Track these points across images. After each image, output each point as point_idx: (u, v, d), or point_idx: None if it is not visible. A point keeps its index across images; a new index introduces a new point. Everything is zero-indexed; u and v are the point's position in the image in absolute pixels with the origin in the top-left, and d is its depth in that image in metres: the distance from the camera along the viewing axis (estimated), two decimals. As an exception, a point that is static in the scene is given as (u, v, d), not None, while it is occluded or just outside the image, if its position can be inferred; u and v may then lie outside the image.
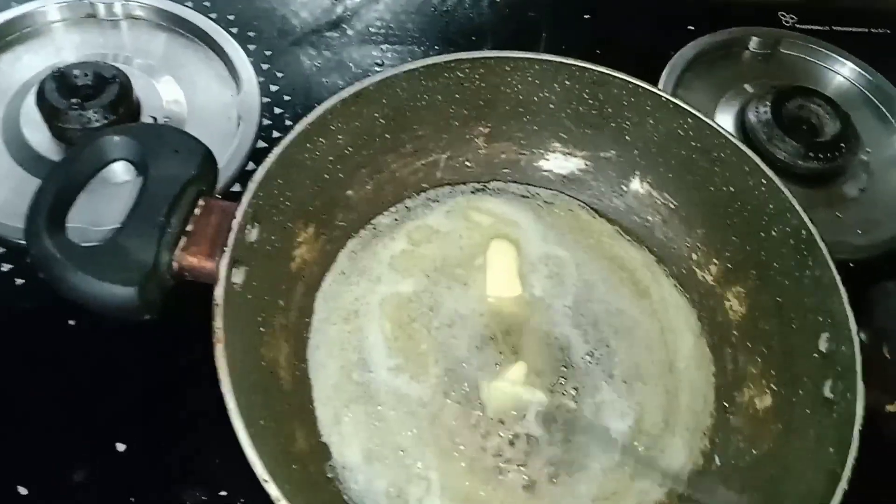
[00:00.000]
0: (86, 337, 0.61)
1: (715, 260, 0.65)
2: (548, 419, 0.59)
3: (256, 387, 0.51)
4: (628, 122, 0.65)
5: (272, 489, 0.43)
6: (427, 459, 0.56)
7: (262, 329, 0.55)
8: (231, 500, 0.56)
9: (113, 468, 0.57)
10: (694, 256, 0.66)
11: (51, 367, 0.60)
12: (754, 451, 0.58)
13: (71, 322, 0.62)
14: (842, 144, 0.81)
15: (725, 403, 0.61)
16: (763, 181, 0.60)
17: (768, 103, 0.82)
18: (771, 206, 0.60)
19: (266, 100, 0.77)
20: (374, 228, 0.65)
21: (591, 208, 0.69)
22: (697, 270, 0.66)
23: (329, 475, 0.54)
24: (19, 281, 0.63)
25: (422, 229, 0.65)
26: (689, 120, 0.63)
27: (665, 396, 0.62)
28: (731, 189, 0.63)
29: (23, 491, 0.55)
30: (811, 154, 0.79)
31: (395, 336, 0.60)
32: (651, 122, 0.64)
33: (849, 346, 0.54)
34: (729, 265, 0.64)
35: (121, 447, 0.57)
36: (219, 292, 0.48)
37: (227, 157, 0.71)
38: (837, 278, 0.56)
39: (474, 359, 0.60)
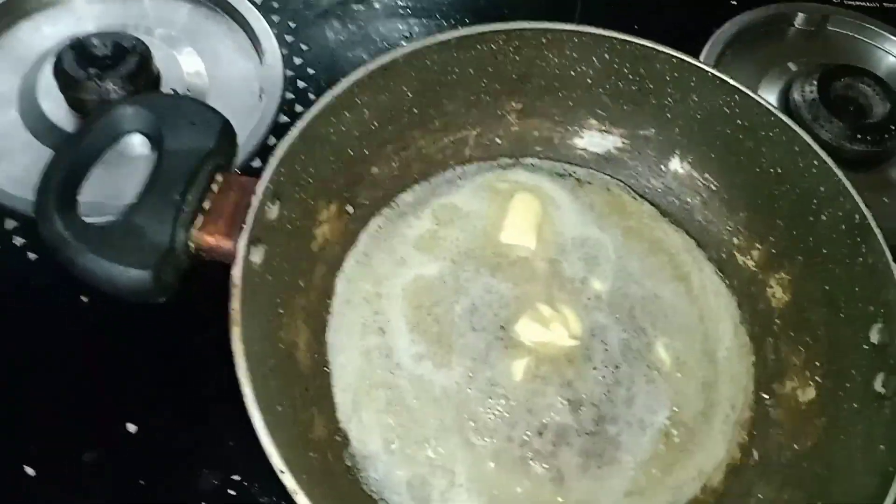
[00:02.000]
0: (99, 314, 0.59)
1: (758, 245, 0.62)
2: (577, 408, 0.56)
3: (274, 371, 0.49)
4: (670, 99, 0.62)
5: (288, 480, 0.41)
6: (451, 450, 0.53)
7: (280, 311, 0.52)
8: (245, 485, 0.54)
9: (123, 450, 0.55)
10: (735, 241, 0.63)
11: (62, 344, 0.58)
12: (796, 447, 0.54)
13: (84, 299, 0.60)
14: (891, 126, 0.76)
15: (766, 396, 0.58)
16: (814, 162, 0.56)
17: (814, 82, 0.77)
18: (822, 189, 0.56)
19: (290, 73, 0.74)
20: (399, 207, 0.62)
21: (630, 188, 0.66)
22: (739, 255, 0.62)
23: (348, 464, 0.52)
24: (32, 256, 0.61)
25: (448, 208, 0.62)
26: (736, 97, 0.59)
27: (703, 387, 0.58)
28: (779, 170, 0.59)
29: (30, 471, 0.53)
30: (858, 136, 0.75)
31: (419, 321, 0.57)
32: (694, 98, 0.60)
33: (904, 338, 0.50)
34: (773, 250, 0.61)
35: (132, 428, 0.55)
36: (237, 272, 0.46)
37: (248, 132, 0.69)
38: (893, 266, 0.52)
39: (500, 346, 0.57)
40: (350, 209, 0.59)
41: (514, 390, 0.56)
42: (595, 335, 0.59)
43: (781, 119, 0.58)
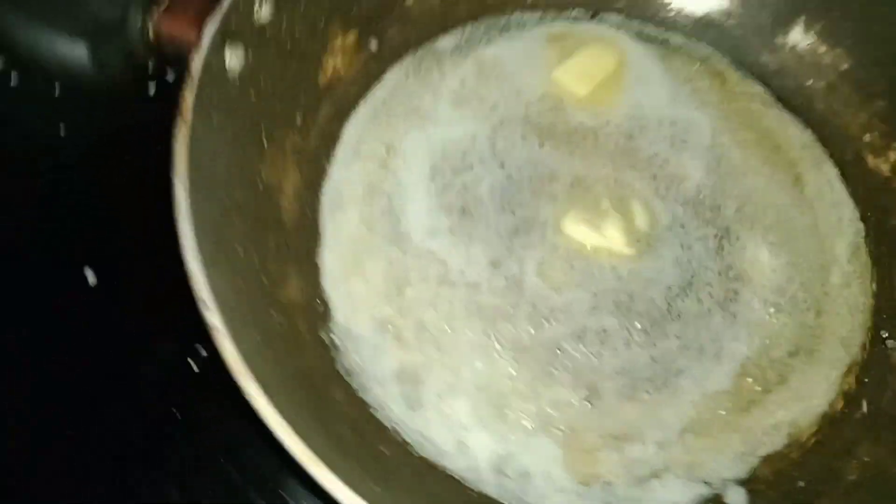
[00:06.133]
0: (75, 150, 0.52)
1: (899, 144, 0.49)
2: (631, 319, 0.45)
3: (243, 208, 0.40)
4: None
5: (213, 317, 0.32)
6: (459, 345, 0.43)
7: (265, 141, 0.43)
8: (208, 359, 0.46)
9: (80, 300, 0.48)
10: (867, 137, 0.50)
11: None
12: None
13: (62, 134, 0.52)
14: None
15: (885, 334, 0.45)
16: None
17: None
18: None
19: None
20: (436, 51, 0.52)
21: (736, 63, 0.53)
22: (870, 157, 0.50)
23: (323, 337, 0.42)
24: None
25: (496, 60, 0.52)
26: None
27: (806, 316, 0.46)
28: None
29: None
30: None
31: (440, 189, 0.47)
32: (833, -64, 0.48)
33: None
34: (921, 151, 0.48)
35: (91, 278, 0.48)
36: (196, 63, 0.37)
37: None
38: None
39: (536, 236, 0.47)
40: (373, 44, 0.50)
41: (547, 290, 0.45)
42: (672, 232, 0.47)
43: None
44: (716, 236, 0.48)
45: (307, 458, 0.30)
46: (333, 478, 0.30)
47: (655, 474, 0.42)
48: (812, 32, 0.51)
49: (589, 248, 0.46)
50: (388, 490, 0.36)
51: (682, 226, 0.48)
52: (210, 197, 0.37)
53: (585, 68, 0.51)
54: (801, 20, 0.51)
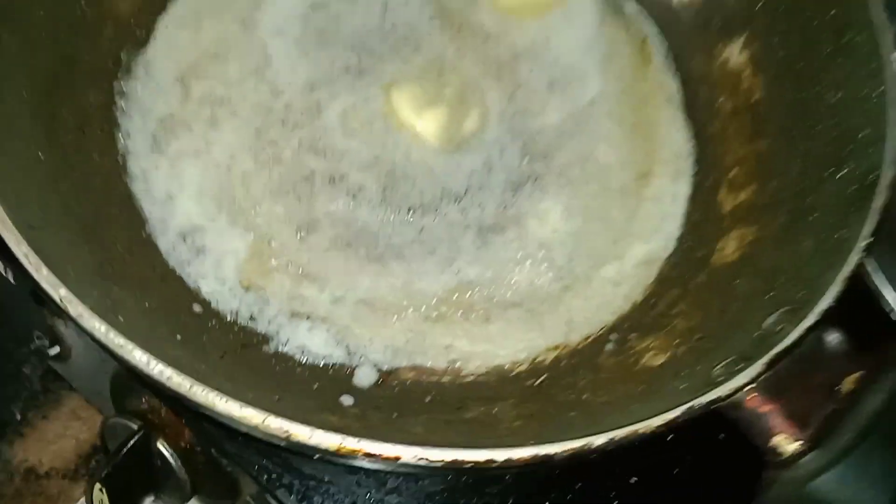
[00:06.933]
0: None
1: (754, 187, 0.45)
2: (394, 187, 0.45)
3: None
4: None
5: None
6: (226, 127, 0.46)
7: None
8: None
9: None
10: (734, 172, 0.47)
11: None
12: (586, 397, 0.40)
13: None
14: None
15: (613, 338, 0.43)
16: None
17: None
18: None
19: None
20: None
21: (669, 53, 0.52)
22: (723, 190, 0.47)
23: (122, 56, 0.46)
24: None
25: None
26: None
27: (553, 284, 0.45)
28: (838, 95, 0.42)
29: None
30: None
31: (314, 6, 0.50)
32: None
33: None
34: (765, 201, 0.44)
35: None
36: None
37: None
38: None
39: (363, 83, 0.48)
40: None
41: (336, 131, 0.47)
42: (486, 150, 0.47)
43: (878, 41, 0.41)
44: (524, 175, 0.47)
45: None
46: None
47: (310, 318, 0.42)
48: (746, 52, 0.48)
49: (401, 120, 0.47)
50: (50, 161, 0.39)
51: (501, 150, 0.47)
52: None
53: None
54: (744, 36, 0.49)
